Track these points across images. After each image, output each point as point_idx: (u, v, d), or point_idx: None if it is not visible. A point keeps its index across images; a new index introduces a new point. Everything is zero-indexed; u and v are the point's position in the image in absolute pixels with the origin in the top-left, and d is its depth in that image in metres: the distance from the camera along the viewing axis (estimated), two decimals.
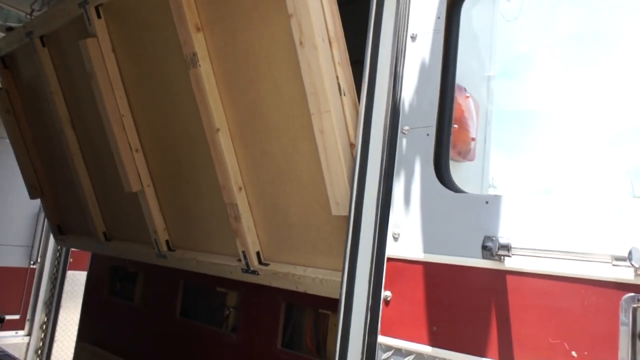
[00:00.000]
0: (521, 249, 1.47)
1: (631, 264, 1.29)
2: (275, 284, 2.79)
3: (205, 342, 3.74)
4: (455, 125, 2.37)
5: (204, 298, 4.02)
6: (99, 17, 3.23)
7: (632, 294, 1.35)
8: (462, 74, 2.52)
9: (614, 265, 1.32)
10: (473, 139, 2.54)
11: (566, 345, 1.41)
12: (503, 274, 1.53)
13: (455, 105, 2.35)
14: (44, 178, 4.71)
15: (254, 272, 2.85)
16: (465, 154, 2.52)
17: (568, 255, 1.41)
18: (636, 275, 1.34)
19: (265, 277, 2.82)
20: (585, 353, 1.38)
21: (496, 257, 1.52)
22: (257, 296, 3.41)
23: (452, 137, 2.33)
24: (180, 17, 2.67)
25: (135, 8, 3.06)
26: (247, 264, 2.87)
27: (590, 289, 1.39)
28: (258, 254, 2.86)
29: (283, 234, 2.73)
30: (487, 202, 1.61)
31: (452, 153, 2.40)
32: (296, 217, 2.62)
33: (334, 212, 2.23)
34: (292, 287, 2.68)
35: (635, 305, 1.34)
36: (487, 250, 1.54)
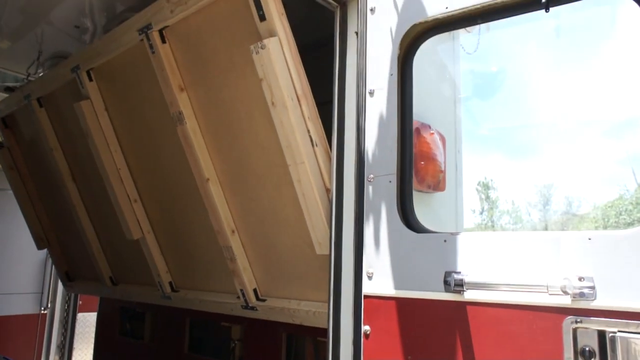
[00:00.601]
0: (475, 283, 1.67)
1: (564, 292, 1.49)
2: (273, 318, 2.98)
3: None
4: (422, 162, 2.59)
5: (210, 333, 4.19)
6: (90, 80, 3.46)
7: (572, 316, 1.54)
8: (427, 111, 2.75)
9: (550, 294, 1.51)
10: (441, 171, 2.76)
11: None
12: (463, 304, 1.72)
13: (420, 143, 2.57)
14: (50, 228, 4.92)
15: (253, 308, 3.04)
16: (436, 186, 2.73)
17: (514, 287, 1.60)
18: (573, 300, 1.54)
19: (263, 312, 3.01)
20: None
21: (456, 290, 1.72)
22: (259, 328, 3.59)
23: (420, 174, 2.55)
24: (165, 80, 2.90)
25: (123, 70, 3.29)
26: (245, 300, 3.06)
27: (536, 315, 1.59)
28: (255, 290, 3.05)
29: (277, 271, 2.93)
30: (445, 241, 1.81)
31: (422, 187, 2.62)
32: (287, 255, 2.82)
33: (318, 251, 2.43)
34: (289, 320, 2.86)
35: (574, 326, 1.53)
36: (448, 285, 1.74)
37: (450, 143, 2.93)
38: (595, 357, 1.49)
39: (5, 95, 4.99)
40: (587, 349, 1.51)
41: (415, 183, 2.56)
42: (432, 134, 2.66)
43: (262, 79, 2.29)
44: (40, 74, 4.35)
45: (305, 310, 2.74)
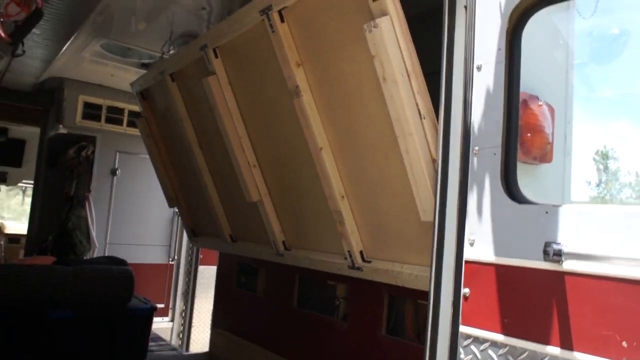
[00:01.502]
0: (574, 253, 1.74)
1: None
2: (377, 278, 3.20)
3: (320, 329, 4.27)
4: (529, 134, 2.61)
5: (317, 290, 4.55)
6: (216, 57, 3.84)
7: None
8: (537, 82, 2.74)
9: None
10: (549, 143, 2.75)
11: (617, 336, 1.66)
12: (562, 274, 1.80)
13: (527, 115, 2.59)
14: (179, 190, 5.55)
15: (359, 269, 3.29)
16: (542, 158, 2.74)
17: (616, 259, 1.65)
18: None
19: (368, 273, 3.24)
20: (635, 344, 1.63)
21: (555, 260, 1.80)
22: (363, 288, 3.85)
23: (526, 145, 2.58)
24: (283, 56, 3.16)
25: (246, 48, 3.61)
26: (352, 261, 3.31)
27: (638, 289, 1.63)
28: (361, 252, 3.29)
29: (382, 235, 3.13)
30: (547, 212, 1.88)
31: (527, 159, 2.64)
32: (392, 221, 3.00)
33: (423, 218, 2.59)
34: (392, 282, 3.07)
35: None
36: (547, 254, 1.82)
37: (560, 113, 2.89)
38: None
39: (142, 71, 5.64)
40: None
41: (520, 155, 2.60)
42: (541, 105, 2.65)
43: (375, 56, 2.45)
44: (172, 52, 4.87)
45: (408, 272, 2.92)
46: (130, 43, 5.24)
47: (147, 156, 5.71)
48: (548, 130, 2.76)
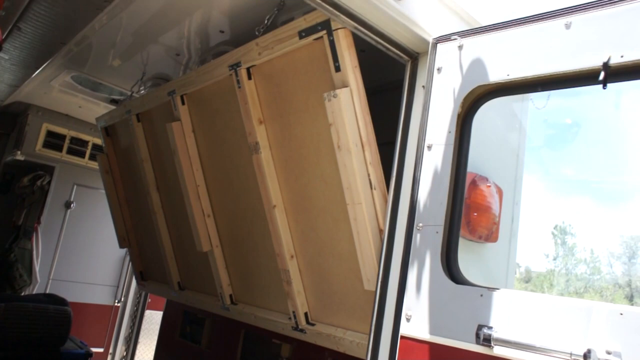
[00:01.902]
0: (503, 340, 1.76)
1: None
2: (319, 342, 3.15)
3: None
4: (475, 213, 2.69)
5: (262, 347, 4.42)
6: (183, 104, 3.87)
7: None
8: (487, 164, 2.85)
9: None
10: (495, 223, 2.83)
11: None
12: (491, 359, 1.82)
13: (475, 195, 2.67)
14: (131, 230, 5.42)
15: (302, 331, 3.24)
16: (488, 237, 2.81)
17: (540, 350, 1.68)
18: None
19: (311, 336, 3.19)
20: None
21: (485, 344, 1.82)
22: (307, 350, 3.77)
23: (472, 224, 2.65)
24: (247, 112, 3.21)
25: (212, 99, 3.66)
26: (296, 322, 3.26)
27: None
28: (306, 314, 3.25)
29: (327, 299, 3.11)
30: (481, 295, 1.92)
31: (473, 237, 2.71)
32: (338, 285, 2.99)
33: (366, 287, 2.59)
34: (334, 347, 3.03)
35: None
36: (478, 337, 1.84)
37: (509, 194, 3.00)
38: None
39: (111, 106, 5.61)
40: None
41: (466, 232, 2.67)
42: (489, 186, 2.75)
43: (332, 124, 2.52)
44: (142, 92, 4.88)
45: (350, 340, 2.89)
46: (102, 79, 5.23)
47: (101, 189, 5.60)
48: (495, 210, 2.85)
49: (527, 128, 3.35)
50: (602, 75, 1.81)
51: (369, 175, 2.48)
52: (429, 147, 2.28)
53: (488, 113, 2.96)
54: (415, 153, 2.34)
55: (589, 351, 1.57)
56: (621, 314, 1.62)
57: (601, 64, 1.82)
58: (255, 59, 3.06)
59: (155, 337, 6.12)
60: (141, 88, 4.95)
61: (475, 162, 2.76)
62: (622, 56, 1.79)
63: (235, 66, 3.20)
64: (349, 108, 2.46)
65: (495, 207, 2.83)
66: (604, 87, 1.93)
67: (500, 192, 2.88)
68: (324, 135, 2.77)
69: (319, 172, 2.89)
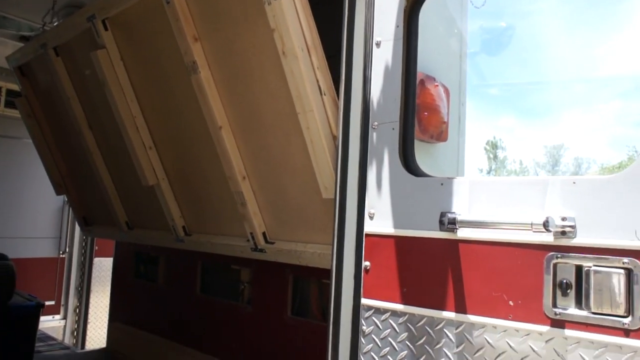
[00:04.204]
0: (467, 221, 1.82)
1: (547, 229, 1.63)
2: (281, 259, 3.17)
3: (224, 315, 4.17)
4: (426, 113, 2.70)
5: (221, 275, 4.44)
6: (106, 29, 3.56)
7: (552, 252, 1.69)
8: (433, 64, 2.84)
9: (534, 232, 1.66)
10: (444, 122, 2.87)
11: (505, 296, 1.76)
12: (456, 242, 1.88)
13: (424, 94, 2.67)
14: (68, 175, 5.12)
15: (262, 250, 3.24)
16: (438, 136, 2.85)
17: (503, 225, 1.75)
18: (555, 238, 1.69)
19: (271, 254, 3.20)
20: (519, 302, 1.73)
21: (449, 229, 1.87)
22: (267, 271, 3.81)
23: (422, 124, 2.67)
24: (179, 29, 2.99)
25: (139, 20, 3.38)
26: (255, 243, 3.25)
27: (522, 251, 1.74)
28: (264, 234, 3.23)
29: (285, 215, 3.10)
30: (442, 184, 1.95)
31: (425, 137, 2.74)
32: (295, 200, 2.98)
33: (324, 195, 2.59)
34: (296, 262, 3.06)
35: (555, 261, 1.69)
36: (442, 224, 1.89)
37: (455, 95, 3.03)
38: (571, 289, 1.65)
39: (21, 44, 5.10)
40: (564, 281, 1.66)
41: (418, 133, 2.68)
42: (437, 86, 2.76)
43: (274, 30, 2.39)
44: (56, 23, 4.44)
45: (311, 252, 2.92)
46: (6, 12, 4.71)
47: (30, 140, 5.20)
48: (444, 110, 2.87)
49: (467, 32, 3.36)
50: None
51: (317, 80, 2.41)
52: (378, 44, 2.22)
53: (430, 15, 2.92)
54: (364, 51, 2.27)
55: (547, 220, 1.65)
56: (574, 183, 1.70)
57: None
58: None
59: (109, 285, 6.01)
60: (54, 19, 4.50)
61: (422, 62, 2.74)
62: None
63: None
64: (291, 10, 2.33)
65: (443, 106, 2.85)
66: None
67: (447, 92, 2.90)
68: (267, 46, 2.64)
69: (265, 86, 2.78)
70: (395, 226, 2.04)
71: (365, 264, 2.11)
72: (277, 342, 3.71)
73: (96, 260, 7.07)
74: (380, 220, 2.09)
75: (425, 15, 2.38)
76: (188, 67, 3.04)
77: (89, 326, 7.00)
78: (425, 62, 2.74)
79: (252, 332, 3.92)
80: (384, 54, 2.19)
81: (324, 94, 2.43)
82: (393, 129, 2.12)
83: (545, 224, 1.64)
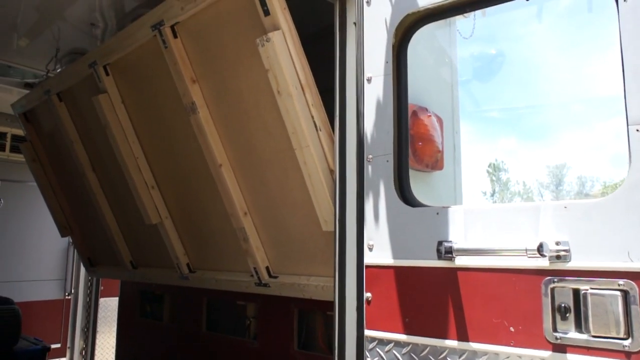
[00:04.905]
0: (463, 249, 1.85)
1: (541, 254, 1.66)
2: (285, 293, 3.18)
3: (231, 351, 4.15)
4: (420, 143, 2.76)
5: (226, 312, 4.43)
6: (107, 74, 3.66)
7: (550, 277, 1.72)
8: (425, 95, 2.91)
9: (529, 257, 1.69)
10: (439, 151, 2.93)
11: (505, 322, 1.78)
12: (454, 270, 1.90)
13: (418, 125, 2.74)
14: (72, 217, 5.17)
15: (266, 285, 3.25)
16: (434, 165, 2.91)
17: (498, 252, 1.78)
18: (550, 262, 1.71)
19: (275, 288, 3.21)
20: (520, 327, 1.75)
21: (447, 258, 1.90)
22: (272, 305, 3.80)
23: (418, 154, 2.73)
24: (178, 72, 3.08)
25: (139, 65, 3.48)
26: (259, 278, 3.27)
27: (519, 277, 1.77)
28: (267, 268, 3.26)
29: (287, 249, 3.13)
30: (437, 213, 1.99)
31: (420, 166, 2.79)
32: (296, 234, 3.01)
33: (324, 228, 2.62)
34: (300, 295, 3.07)
35: (552, 286, 1.71)
36: (439, 252, 1.92)
37: (448, 124, 3.09)
38: (570, 312, 1.67)
39: (26, 91, 5.23)
40: (563, 305, 1.68)
41: (414, 163, 2.74)
42: (430, 116, 2.82)
43: (268, 70, 2.47)
44: (59, 70, 4.57)
45: (315, 285, 2.94)
46: (11, 61, 4.84)
47: (35, 183, 5.28)
48: (438, 139, 2.94)
49: (457, 61, 3.45)
50: None
51: (312, 117, 2.47)
52: (369, 80, 2.29)
53: (420, 48, 3.01)
54: (356, 88, 2.35)
55: (541, 245, 1.68)
56: (565, 207, 1.74)
57: None
58: (178, 15, 2.92)
59: (115, 324, 5.98)
60: (57, 66, 4.63)
61: (414, 94, 2.81)
62: None
63: (158, 25, 3.05)
64: (283, 51, 2.42)
65: (437, 136, 2.92)
66: None
67: (440, 121, 2.97)
68: (261, 85, 2.72)
69: (261, 123, 2.85)
70: (395, 257, 2.07)
71: (367, 295, 2.13)
72: None
73: (102, 300, 7.03)
74: (380, 251, 2.12)
75: (414, 48, 2.47)
76: (187, 108, 3.12)
77: None
78: (417, 93, 2.82)
79: None
80: (375, 89, 2.26)
81: (320, 130, 2.49)
82: (387, 161, 2.17)
83: (540, 249, 1.68)
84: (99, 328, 6.98)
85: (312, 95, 2.49)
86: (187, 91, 3.08)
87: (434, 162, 2.86)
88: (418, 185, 2.84)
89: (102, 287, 7.00)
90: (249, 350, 4.01)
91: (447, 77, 3.34)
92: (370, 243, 2.16)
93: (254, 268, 3.25)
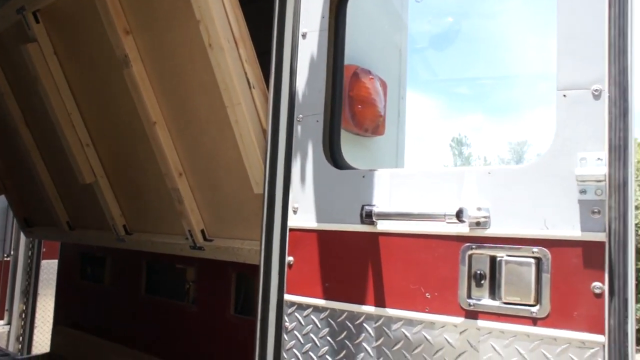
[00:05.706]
0: (385, 213, 1.80)
1: (460, 220, 1.63)
2: (219, 257, 3.11)
3: (170, 315, 4.07)
4: (360, 106, 2.68)
5: (166, 275, 4.33)
6: (37, 22, 3.41)
7: (468, 243, 1.69)
8: (369, 57, 2.82)
9: (447, 222, 1.65)
10: (380, 116, 2.85)
11: (422, 289, 1.75)
12: (376, 235, 1.86)
13: (358, 87, 2.66)
14: (6, 175, 4.91)
15: (200, 248, 3.17)
16: (374, 130, 2.84)
17: (418, 217, 1.74)
18: (470, 229, 1.68)
19: (210, 252, 3.13)
20: (436, 294, 1.73)
21: (368, 222, 1.85)
22: (211, 269, 3.73)
23: (357, 117, 2.65)
24: (110, 22, 2.89)
25: (70, 13, 3.25)
26: (193, 241, 3.17)
27: (439, 242, 1.74)
28: (203, 231, 3.16)
29: (222, 212, 3.03)
30: (363, 177, 1.93)
31: (360, 130, 2.72)
32: (231, 197, 2.92)
33: (255, 190, 2.54)
34: (234, 259, 3.00)
35: (470, 252, 1.68)
36: (362, 217, 1.86)
37: (394, 89, 3.02)
38: (485, 280, 1.65)
39: None
40: (479, 272, 1.66)
41: (351, 126, 2.66)
42: (372, 79, 2.74)
43: (200, 21, 2.33)
44: None
45: (248, 249, 2.87)
46: None
47: None
48: (380, 103, 2.86)
49: (409, 24, 3.36)
50: None
51: (245, 73, 2.36)
52: (304, 35, 2.18)
53: (368, 8, 2.90)
54: (292, 44, 2.23)
55: (460, 210, 1.64)
56: (489, 173, 1.70)
57: None
58: None
59: None
60: None
61: (356, 54, 2.72)
62: None
63: None
64: (216, 1, 2.27)
65: (380, 100, 2.84)
66: None
67: (384, 85, 2.89)
68: (195, 39, 2.57)
69: (197, 80, 2.71)
70: (318, 220, 2.01)
71: (289, 259, 2.07)
72: (221, 340, 3.64)
73: (44, 262, 6.81)
74: (304, 214, 2.05)
75: (360, 8, 2.37)
76: (120, 60, 2.94)
77: (36, 331, 6.73)
78: (360, 54, 2.72)
79: (195, 332, 3.83)
80: (310, 46, 2.16)
81: (253, 87, 2.38)
82: (317, 121, 2.09)
83: (459, 215, 1.64)
84: (41, 291, 6.78)
85: (247, 50, 2.37)
86: (119, 43, 2.90)
87: (375, 127, 2.79)
88: (356, 149, 2.77)
89: (44, 249, 6.77)
90: (187, 314, 3.94)
91: (397, 41, 3.25)
92: (295, 206, 2.09)
93: (189, 231, 3.15)
